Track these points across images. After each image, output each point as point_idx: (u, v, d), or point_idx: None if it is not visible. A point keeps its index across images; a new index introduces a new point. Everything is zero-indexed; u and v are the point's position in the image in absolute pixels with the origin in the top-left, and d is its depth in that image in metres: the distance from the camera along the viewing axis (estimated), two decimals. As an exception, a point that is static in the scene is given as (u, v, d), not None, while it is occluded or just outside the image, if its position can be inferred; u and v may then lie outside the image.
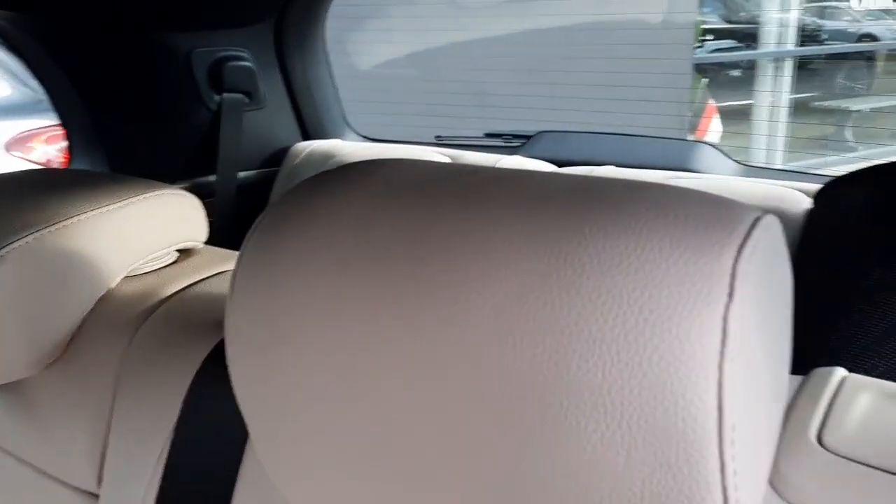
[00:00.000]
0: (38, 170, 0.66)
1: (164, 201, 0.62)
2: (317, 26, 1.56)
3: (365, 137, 1.70)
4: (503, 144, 1.56)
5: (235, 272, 0.37)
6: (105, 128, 1.33)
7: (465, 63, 3.86)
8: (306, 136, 1.61)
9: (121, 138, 1.36)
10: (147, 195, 0.61)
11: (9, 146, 2.40)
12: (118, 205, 0.58)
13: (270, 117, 1.53)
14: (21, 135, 2.41)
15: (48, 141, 2.41)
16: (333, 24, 1.65)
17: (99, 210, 0.57)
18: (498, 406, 0.29)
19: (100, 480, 0.55)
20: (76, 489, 0.56)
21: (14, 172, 0.64)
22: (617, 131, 1.51)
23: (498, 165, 1.06)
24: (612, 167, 1.23)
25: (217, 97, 1.41)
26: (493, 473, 0.30)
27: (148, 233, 0.60)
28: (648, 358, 0.26)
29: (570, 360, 0.28)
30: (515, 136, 1.56)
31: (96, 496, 0.55)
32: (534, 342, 0.28)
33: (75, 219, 0.56)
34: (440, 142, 1.66)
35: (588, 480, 0.28)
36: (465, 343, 0.29)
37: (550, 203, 0.31)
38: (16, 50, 1.30)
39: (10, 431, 0.60)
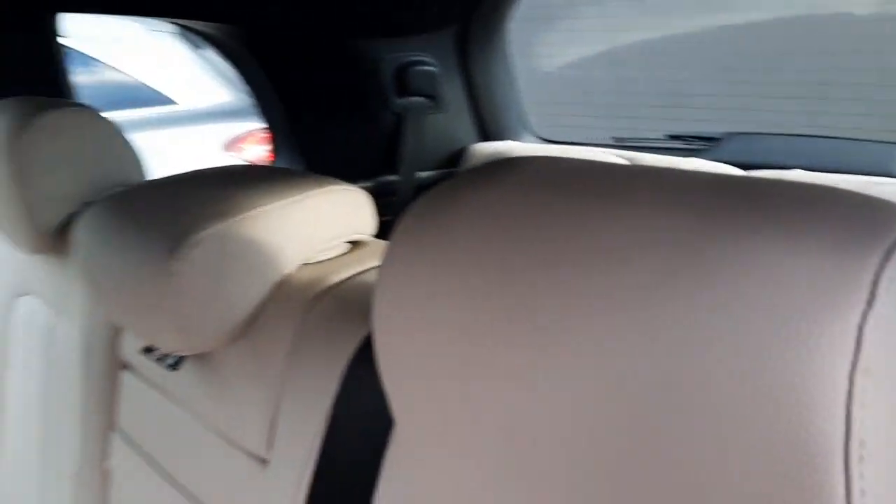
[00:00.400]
0: (233, 165, 0.74)
1: (336, 197, 0.67)
2: (500, 30, 1.59)
3: (543, 139, 1.71)
4: (685, 147, 1.50)
5: (382, 262, 0.39)
6: (302, 129, 1.45)
7: (657, 62, 3.74)
8: (485, 138, 1.64)
9: (316, 139, 1.47)
10: (321, 190, 0.66)
11: (225, 147, 2.67)
12: (296, 199, 0.64)
13: (450, 119, 1.58)
14: (236, 137, 2.68)
15: (259, 142, 2.66)
16: (519, 26, 1.67)
17: (280, 203, 0.63)
18: (617, 405, 0.29)
19: (270, 447, 0.60)
20: (249, 453, 0.62)
21: (215, 167, 0.72)
22: (818, 133, 1.40)
23: None
24: (802, 171, 1.15)
25: (401, 101, 1.49)
26: (608, 473, 0.30)
27: (321, 225, 0.65)
28: (774, 363, 0.25)
29: (692, 361, 0.27)
30: (700, 139, 1.50)
31: (266, 461, 0.60)
32: (656, 342, 0.28)
33: (259, 210, 0.62)
34: (618, 143, 1.63)
35: (704, 484, 0.27)
36: (589, 341, 0.29)
37: (686, 200, 0.30)
38: (231, 58, 1.46)
39: (199, 397, 0.67)
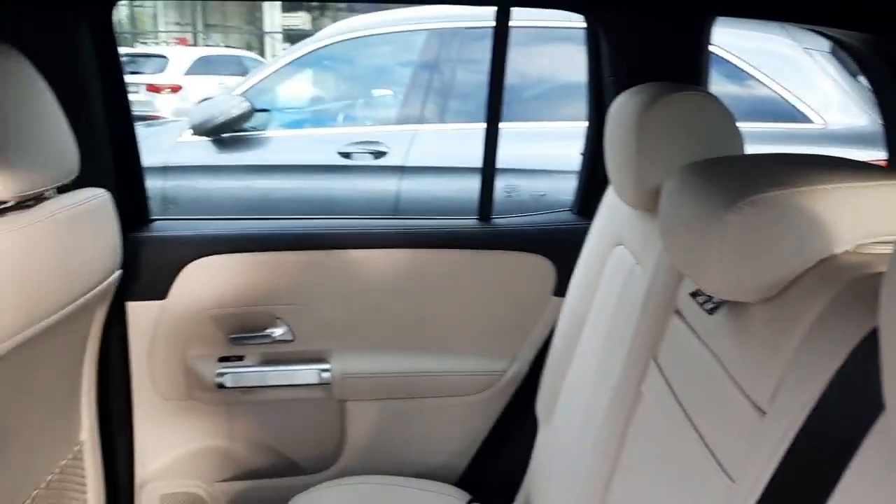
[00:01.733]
0: (812, 153, 0.79)
1: (909, 192, 0.66)
2: None
3: None
4: None
5: (891, 259, 0.41)
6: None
7: None
8: None
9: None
10: (892, 182, 0.66)
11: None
12: (861, 185, 0.66)
13: None
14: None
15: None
16: None
17: (843, 185, 0.66)
18: None
19: (771, 401, 0.65)
20: (753, 403, 0.67)
21: (794, 153, 0.78)
22: None
23: None
24: None
25: None
26: None
27: (884, 216, 0.66)
28: None
29: None
30: None
31: (764, 413, 0.66)
32: None
33: (821, 187, 0.66)
34: None
35: None
36: None
37: None
38: (867, 71, 1.42)
39: (725, 344, 0.75)
